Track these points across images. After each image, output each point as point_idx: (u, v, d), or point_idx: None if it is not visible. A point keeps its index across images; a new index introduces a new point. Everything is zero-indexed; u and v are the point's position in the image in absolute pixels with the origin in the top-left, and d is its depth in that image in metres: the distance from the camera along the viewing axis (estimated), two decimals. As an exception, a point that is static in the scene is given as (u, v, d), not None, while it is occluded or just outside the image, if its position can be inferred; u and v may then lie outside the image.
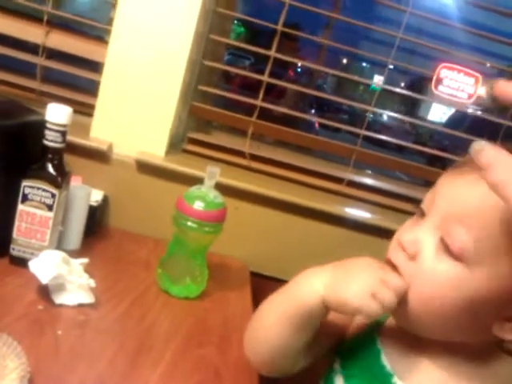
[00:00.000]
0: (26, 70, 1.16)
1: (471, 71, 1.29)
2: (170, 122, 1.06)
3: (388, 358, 0.61)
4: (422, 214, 0.55)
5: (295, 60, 1.18)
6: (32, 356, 0.57)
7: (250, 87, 1.36)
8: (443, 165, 1.31)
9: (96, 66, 1.10)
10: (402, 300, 0.54)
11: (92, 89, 1.10)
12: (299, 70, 3.35)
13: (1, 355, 0.56)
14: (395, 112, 1.42)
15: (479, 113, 1.37)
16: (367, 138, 1.25)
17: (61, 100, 0.93)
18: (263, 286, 0.98)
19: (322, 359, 0.69)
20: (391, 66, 1.21)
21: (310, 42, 1.30)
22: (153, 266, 0.90)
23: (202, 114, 1.21)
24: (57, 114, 0.77)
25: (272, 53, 1.15)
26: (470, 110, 1.42)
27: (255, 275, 1.07)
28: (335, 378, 0.65)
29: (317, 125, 3.14)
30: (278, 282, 1.10)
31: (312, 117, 2.07)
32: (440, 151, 1.29)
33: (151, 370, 0.65)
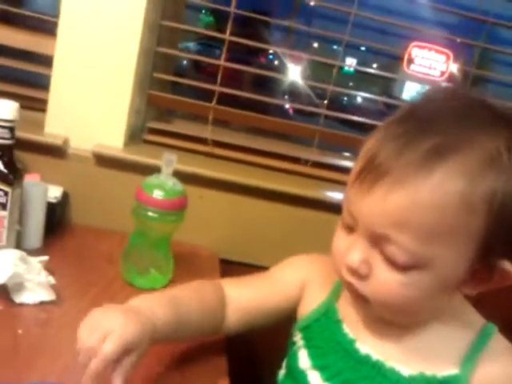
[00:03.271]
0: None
1: (441, 48, 1.30)
2: (126, 113, 1.04)
3: (349, 326, 0.63)
4: (351, 229, 0.55)
5: (251, 43, 1.16)
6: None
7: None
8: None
9: (45, 60, 1.07)
10: (369, 306, 0.56)
11: (43, 83, 1.07)
12: (271, 56, 3.35)
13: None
14: (369, 94, 1.40)
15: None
16: (343, 121, 1.25)
17: (11, 97, 0.91)
18: (233, 271, 0.98)
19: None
20: (363, 48, 1.21)
21: (282, 29, 1.30)
22: (117, 260, 0.88)
23: (161, 103, 1.19)
24: (3, 109, 0.75)
25: (226, 36, 1.14)
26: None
27: (225, 262, 1.07)
28: (299, 353, 0.66)
29: (291, 111, 3.15)
30: (247, 267, 1.11)
31: (280, 101, 2.06)
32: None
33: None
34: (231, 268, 1.06)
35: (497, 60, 1.41)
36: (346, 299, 0.65)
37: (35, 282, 0.72)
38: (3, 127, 0.75)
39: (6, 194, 0.76)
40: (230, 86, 1.18)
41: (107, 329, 0.51)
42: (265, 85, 1.77)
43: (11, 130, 0.76)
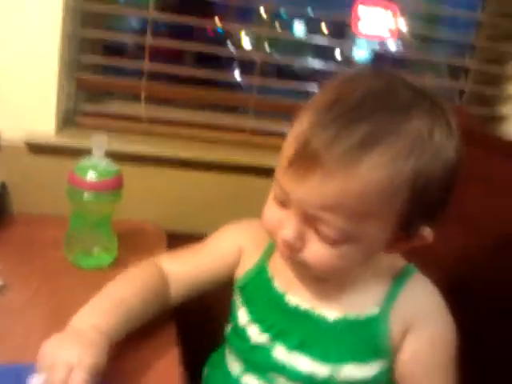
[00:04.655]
0: None
1: (387, 3, 1.28)
2: (55, 98, 1.04)
3: (279, 282, 0.69)
4: (283, 204, 0.59)
5: (179, 19, 1.17)
6: None
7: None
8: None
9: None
10: (301, 266, 0.61)
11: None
12: (220, 30, 3.32)
13: None
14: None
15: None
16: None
17: None
18: (179, 243, 1.01)
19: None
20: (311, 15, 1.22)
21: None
22: (61, 244, 0.90)
23: (91, 85, 1.19)
24: None
25: (150, 13, 1.14)
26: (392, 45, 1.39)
27: (170, 235, 1.10)
28: (239, 311, 0.72)
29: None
30: (192, 238, 1.15)
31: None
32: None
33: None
34: (177, 241, 1.09)
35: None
36: (275, 259, 0.71)
37: (-21, 273, 0.74)
38: None
39: None
40: (171, 61, 1.18)
41: (68, 362, 0.54)
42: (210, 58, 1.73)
43: None
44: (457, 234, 0.85)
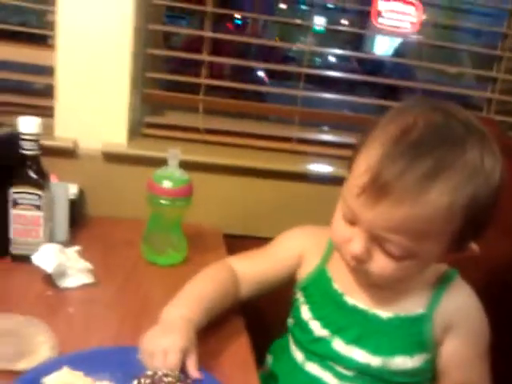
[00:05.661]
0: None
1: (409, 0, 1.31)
2: (126, 111, 1.16)
3: (337, 284, 0.79)
4: (351, 222, 0.69)
5: (232, 12, 1.25)
6: (52, 332, 0.70)
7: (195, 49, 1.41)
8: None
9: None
10: (362, 273, 0.71)
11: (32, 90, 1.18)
12: (239, 21, 3.35)
13: (31, 333, 0.68)
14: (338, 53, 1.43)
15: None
16: (319, 84, 1.32)
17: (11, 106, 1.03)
18: (236, 244, 1.11)
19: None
20: (331, 6, 1.28)
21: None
22: (135, 244, 1.01)
23: (154, 99, 1.30)
24: (29, 125, 0.86)
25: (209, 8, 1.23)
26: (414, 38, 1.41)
27: (228, 236, 1.20)
28: (301, 308, 0.82)
29: (266, 79, 3.24)
30: (248, 239, 1.25)
31: (258, 64, 2.10)
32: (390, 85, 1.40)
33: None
34: (234, 241, 1.19)
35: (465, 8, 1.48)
36: (334, 262, 0.81)
37: (75, 269, 0.85)
38: (31, 140, 0.86)
39: (39, 197, 0.88)
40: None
41: (164, 348, 0.64)
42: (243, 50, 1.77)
43: (37, 141, 0.88)
44: (496, 239, 0.93)
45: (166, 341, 0.65)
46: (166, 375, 0.58)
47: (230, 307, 0.83)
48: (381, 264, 0.67)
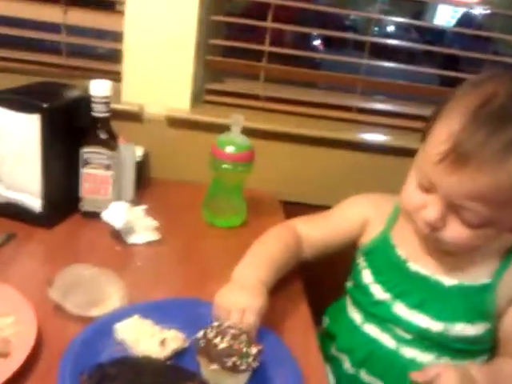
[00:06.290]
0: (46, 48, 1.28)
1: None
2: (190, 78, 1.18)
3: (400, 250, 0.79)
4: (427, 190, 0.68)
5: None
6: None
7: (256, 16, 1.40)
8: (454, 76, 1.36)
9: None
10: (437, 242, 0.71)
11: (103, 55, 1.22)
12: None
13: (103, 283, 0.72)
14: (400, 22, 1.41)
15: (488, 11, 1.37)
16: (376, 53, 1.29)
17: (83, 70, 1.08)
18: (293, 210, 1.12)
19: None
20: None
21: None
22: (196, 206, 1.04)
23: (216, 66, 1.31)
24: (100, 88, 0.90)
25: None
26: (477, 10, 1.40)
27: (285, 203, 1.21)
28: (363, 272, 0.83)
29: (321, 46, 3.19)
30: (304, 206, 1.26)
31: (315, 30, 2.12)
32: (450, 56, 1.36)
33: (217, 284, 0.76)
34: (291, 208, 1.21)
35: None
36: (398, 229, 0.81)
37: (143, 226, 0.89)
38: (102, 103, 0.90)
39: (109, 157, 0.92)
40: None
41: (241, 307, 0.66)
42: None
43: (107, 104, 0.91)
44: None
45: (244, 300, 0.67)
46: (231, 327, 0.61)
47: (293, 268, 0.85)
48: (456, 232, 0.67)
